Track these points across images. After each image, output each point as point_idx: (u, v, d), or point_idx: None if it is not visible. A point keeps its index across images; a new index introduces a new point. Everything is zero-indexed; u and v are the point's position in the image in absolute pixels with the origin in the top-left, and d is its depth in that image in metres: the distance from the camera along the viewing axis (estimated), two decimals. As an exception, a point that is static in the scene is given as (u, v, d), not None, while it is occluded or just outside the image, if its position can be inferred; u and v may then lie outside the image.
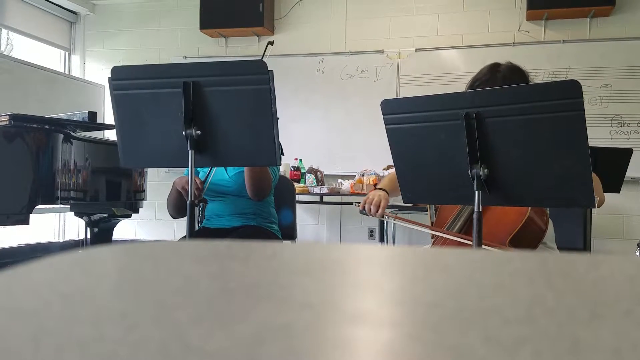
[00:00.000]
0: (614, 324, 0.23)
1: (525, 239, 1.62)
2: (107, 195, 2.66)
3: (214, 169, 2.22)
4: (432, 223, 1.93)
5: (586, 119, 1.25)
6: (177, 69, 1.83)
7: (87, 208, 2.85)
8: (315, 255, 0.39)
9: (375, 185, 3.90)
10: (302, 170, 4.31)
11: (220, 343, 0.20)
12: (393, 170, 1.57)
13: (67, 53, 5.50)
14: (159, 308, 0.25)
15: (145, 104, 1.69)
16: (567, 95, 1.25)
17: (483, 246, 1.48)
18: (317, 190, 4.08)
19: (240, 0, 4.72)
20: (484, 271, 0.35)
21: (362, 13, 4.82)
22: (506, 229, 1.63)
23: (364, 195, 3.97)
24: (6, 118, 2.21)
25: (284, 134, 1.85)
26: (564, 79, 4.00)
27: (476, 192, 1.39)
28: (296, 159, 4.36)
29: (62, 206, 2.48)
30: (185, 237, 1.88)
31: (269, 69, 1.58)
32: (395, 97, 4.41)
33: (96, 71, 5.40)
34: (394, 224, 4.56)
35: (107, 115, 4.91)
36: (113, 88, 1.71)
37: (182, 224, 2.13)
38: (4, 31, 4.88)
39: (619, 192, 3.03)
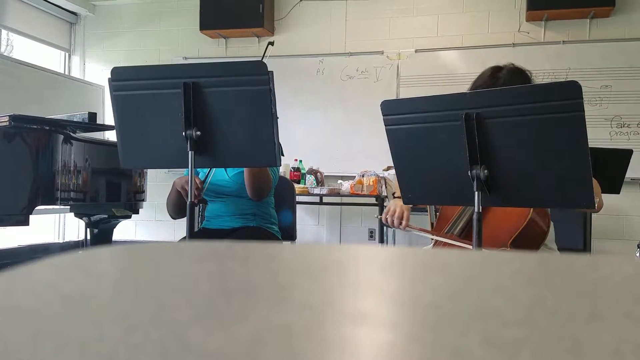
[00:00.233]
0: (613, 324, 0.23)
1: (527, 240, 1.62)
2: (107, 196, 2.66)
3: (214, 169, 2.22)
4: (432, 224, 1.93)
5: (586, 119, 1.25)
6: (177, 69, 1.83)
7: (87, 209, 2.85)
8: (315, 256, 0.39)
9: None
10: (302, 171, 4.31)
11: (220, 344, 0.20)
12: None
13: (67, 54, 5.50)
14: (159, 309, 0.25)
15: (145, 104, 1.69)
16: (567, 96, 1.25)
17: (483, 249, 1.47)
18: (317, 191, 4.08)
19: (240, 1, 4.72)
20: (484, 272, 0.35)
21: (362, 14, 4.82)
22: (508, 230, 1.62)
23: (363, 196, 4.00)
24: (6, 119, 2.21)
25: (283, 135, 1.85)
26: (563, 79, 4.00)
27: (476, 192, 1.39)
28: (296, 160, 4.36)
29: (62, 207, 2.48)
30: (185, 237, 1.88)
31: (269, 69, 1.58)
32: (395, 97, 4.41)
33: (96, 72, 5.40)
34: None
35: (107, 116, 4.92)
36: (113, 89, 1.71)
37: (182, 224, 2.13)
38: (4, 32, 4.88)
39: (618, 193, 3.03)
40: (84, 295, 0.28)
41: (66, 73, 5.41)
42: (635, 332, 0.22)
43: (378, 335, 0.22)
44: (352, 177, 4.16)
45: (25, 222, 2.23)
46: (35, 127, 2.33)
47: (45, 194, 2.29)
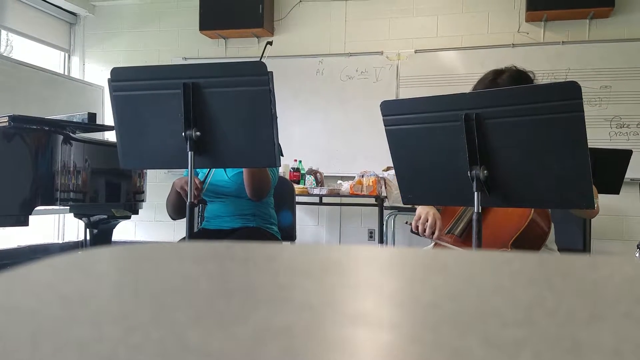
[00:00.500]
0: (613, 325, 0.23)
1: (528, 241, 1.62)
2: (107, 197, 2.66)
3: (213, 169, 2.22)
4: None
5: (585, 120, 1.25)
6: (177, 70, 1.83)
7: (86, 209, 2.85)
8: (315, 257, 0.39)
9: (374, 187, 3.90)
10: (302, 172, 4.31)
11: (220, 344, 0.20)
12: None
13: (66, 54, 5.50)
14: (159, 309, 0.24)
15: (144, 105, 1.69)
16: (566, 97, 1.25)
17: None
18: (316, 191, 4.08)
19: (239, 2, 4.72)
20: (484, 272, 0.35)
21: (362, 14, 4.82)
22: (509, 231, 1.62)
23: (363, 196, 4.00)
24: (6, 119, 2.21)
25: (283, 135, 1.85)
26: (563, 80, 4.00)
27: (476, 193, 1.39)
28: (296, 160, 4.36)
29: (61, 207, 2.48)
30: (184, 238, 1.88)
31: (268, 70, 1.58)
32: (394, 98, 4.41)
33: (96, 72, 5.40)
34: (394, 224, 4.56)
35: (107, 117, 4.92)
36: (113, 89, 1.71)
37: (181, 225, 2.13)
38: (3, 32, 4.88)
39: (618, 194, 3.03)
40: (84, 295, 0.28)
41: (66, 73, 5.41)
42: (635, 332, 0.22)
43: (378, 336, 0.22)
44: (352, 178, 4.16)
45: (25, 223, 2.23)
46: (34, 127, 2.33)
47: (45, 194, 2.28)
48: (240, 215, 2.26)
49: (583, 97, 1.23)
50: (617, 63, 4.23)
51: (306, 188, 4.11)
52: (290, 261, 0.38)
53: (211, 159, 1.69)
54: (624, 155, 3.03)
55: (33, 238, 4.73)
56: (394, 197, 3.88)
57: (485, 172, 1.36)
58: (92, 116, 2.48)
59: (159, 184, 4.85)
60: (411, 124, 1.45)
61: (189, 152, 1.64)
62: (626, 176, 3.09)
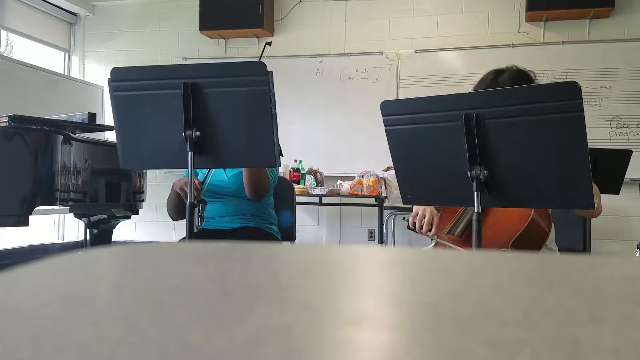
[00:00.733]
0: (613, 325, 0.23)
1: (529, 241, 1.62)
2: (107, 197, 2.66)
3: (213, 169, 2.22)
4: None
5: (585, 120, 1.25)
6: (177, 70, 1.82)
7: (86, 209, 2.85)
8: (315, 257, 0.39)
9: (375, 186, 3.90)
10: (302, 172, 4.31)
11: (219, 344, 0.20)
12: None
13: (66, 54, 5.50)
14: (159, 309, 0.24)
15: (144, 105, 1.69)
16: (566, 97, 1.25)
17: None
18: (316, 191, 4.08)
19: (239, 2, 4.72)
20: (484, 272, 0.35)
21: (362, 14, 4.82)
22: (509, 231, 1.62)
23: (363, 196, 4.00)
24: (6, 119, 2.21)
25: (283, 135, 1.85)
26: (563, 80, 4.00)
27: (476, 193, 1.39)
28: (296, 160, 4.36)
29: (61, 207, 2.48)
30: (184, 238, 1.88)
31: (268, 70, 1.58)
32: (394, 98, 4.41)
33: (96, 72, 5.40)
34: (394, 224, 4.56)
35: (107, 117, 4.92)
36: (113, 89, 1.71)
37: (181, 225, 2.13)
38: (3, 32, 4.88)
39: (618, 194, 3.03)
40: (84, 295, 0.28)
41: (66, 73, 5.41)
42: (635, 332, 0.22)
43: (378, 336, 0.22)
44: (352, 178, 4.16)
45: (25, 223, 2.23)
46: (34, 127, 2.33)
47: (45, 194, 2.28)
48: (240, 215, 2.26)
49: (583, 97, 1.23)
50: (617, 63, 4.23)
51: (306, 188, 4.11)
52: (290, 261, 0.38)
53: (211, 159, 1.69)
54: (624, 155, 3.03)
55: (33, 238, 4.73)
56: (394, 197, 3.89)
57: (486, 172, 1.36)
58: (92, 116, 2.48)
59: (159, 184, 4.85)
60: (411, 124, 1.45)
61: (189, 152, 1.64)
62: (626, 176, 3.09)
